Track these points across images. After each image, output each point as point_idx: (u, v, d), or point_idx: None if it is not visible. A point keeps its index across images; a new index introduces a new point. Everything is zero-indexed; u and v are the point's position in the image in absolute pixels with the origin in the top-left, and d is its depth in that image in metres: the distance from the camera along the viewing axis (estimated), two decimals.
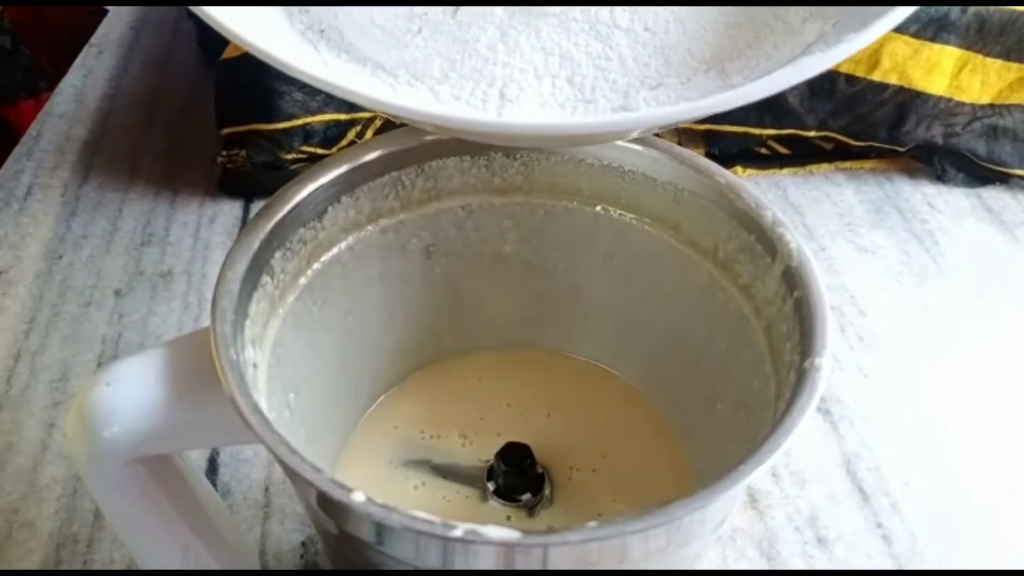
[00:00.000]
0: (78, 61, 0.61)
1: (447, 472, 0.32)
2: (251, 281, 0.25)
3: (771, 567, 0.34)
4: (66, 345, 0.42)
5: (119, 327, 0.43)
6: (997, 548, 0.35)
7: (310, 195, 0.27)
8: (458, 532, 0.19)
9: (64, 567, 0.33)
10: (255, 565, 0.31)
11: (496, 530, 0.19)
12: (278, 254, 0.26)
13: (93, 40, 0.64)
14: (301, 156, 0.48)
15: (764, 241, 0.27)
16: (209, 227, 0.48)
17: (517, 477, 0.30)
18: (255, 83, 0.47)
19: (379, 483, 0.31)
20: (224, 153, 0.48)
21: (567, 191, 0.31)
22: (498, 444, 0.31)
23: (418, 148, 0.29)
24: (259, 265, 0.25)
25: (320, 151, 0.48)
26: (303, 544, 0.34)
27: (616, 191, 0.30)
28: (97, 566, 0.34)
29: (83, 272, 0.46)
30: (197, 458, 0.37)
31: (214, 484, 0.36)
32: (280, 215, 0.26)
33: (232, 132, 0.48)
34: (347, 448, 0.32)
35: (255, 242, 0.25)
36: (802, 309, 0.25)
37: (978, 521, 0.35)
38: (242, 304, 0.24)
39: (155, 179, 0.52)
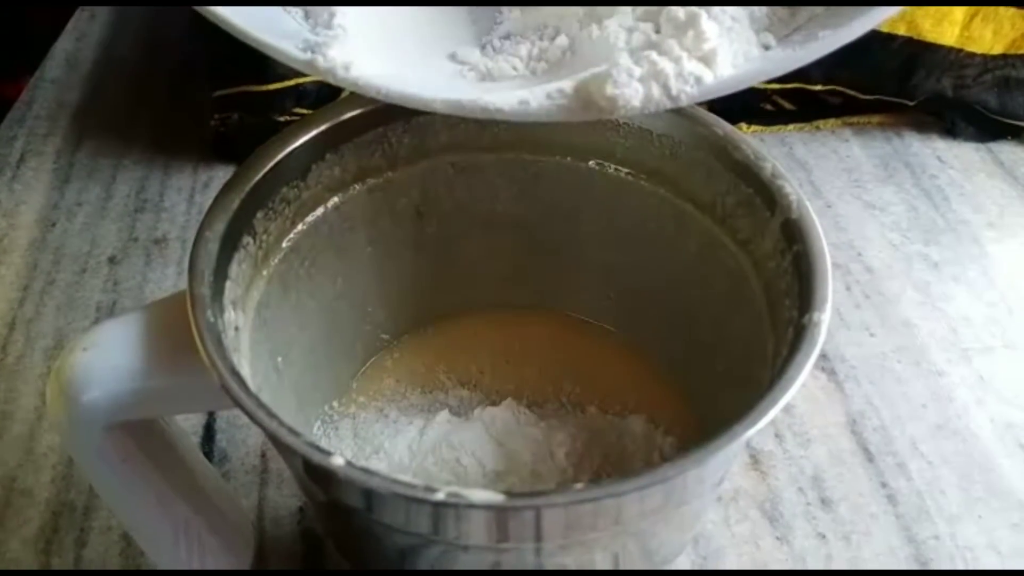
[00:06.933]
0: (70, 25, 0.60)
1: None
2: (231, 241, 0.24)
3: (774, 528, 0.33)
4: (61, 313, 0.42)
5: (114, 294, 0.42)
6: (1004, 506, 0.34)
7: (292, 152, 0.26)
8: (440, 495, 0.18)
9: (62, 534, 0.33)
10: (249, 533, 0.31)
11: (479, 493, 0.18)
12: (260, 214, 0.25)
13: (84, 4, 0.62)
14: (294, 119, 0.47)
15: (763, 194, 0.26)
16: (204, 192, 0.48)
17: None
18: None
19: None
20: (217, 116, 0.47)
21: (559, 147, 0.30)
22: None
23: None
24: (240, 225, 0.24)
25: None
26: (300, 509, 0.34)
27: (610, 146, 0.29)
28: (95, 534, 0.33)
29: (77, 239, 0.45)
30: (194, 424, 0.36)
31: (210, 450, 0.36)
32: (261, 173, 0.25)
33: (224, 94, 0.47)
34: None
35: (235, 201, 0.24)
36: (801, 263, 0.24)
37: (986, 480, 0.35)
38: (222, 265, 0.23)
39: (149, 144, 0.51)
